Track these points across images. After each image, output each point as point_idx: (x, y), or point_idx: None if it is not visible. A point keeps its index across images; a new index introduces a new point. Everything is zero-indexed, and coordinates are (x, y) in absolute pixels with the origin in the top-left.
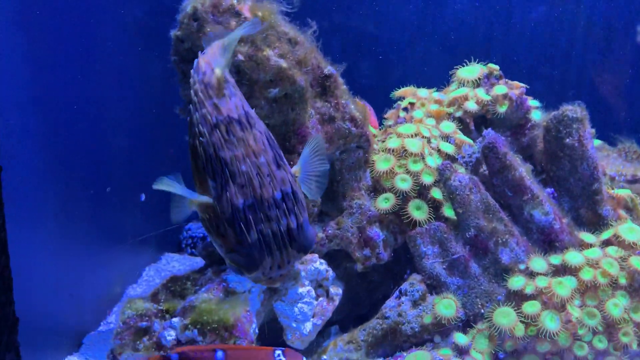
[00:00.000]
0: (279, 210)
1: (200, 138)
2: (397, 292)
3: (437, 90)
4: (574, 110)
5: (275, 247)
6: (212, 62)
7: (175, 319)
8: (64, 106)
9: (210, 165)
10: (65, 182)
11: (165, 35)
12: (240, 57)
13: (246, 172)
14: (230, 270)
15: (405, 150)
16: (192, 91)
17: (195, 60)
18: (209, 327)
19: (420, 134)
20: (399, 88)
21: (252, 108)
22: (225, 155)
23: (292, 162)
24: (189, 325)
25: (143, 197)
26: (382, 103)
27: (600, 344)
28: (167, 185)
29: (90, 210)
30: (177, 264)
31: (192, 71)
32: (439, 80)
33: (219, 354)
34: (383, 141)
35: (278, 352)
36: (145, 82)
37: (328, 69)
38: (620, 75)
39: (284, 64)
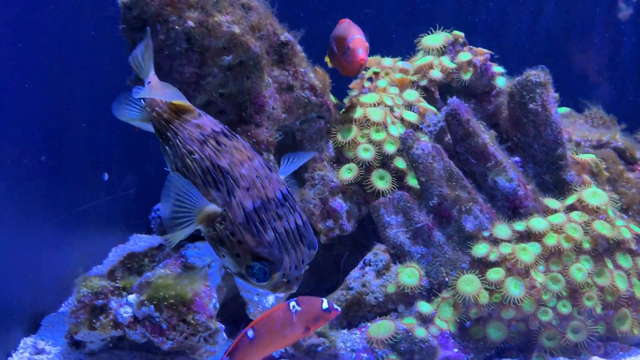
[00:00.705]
0: (284, 208)
1: (193, 156)
2: (361, 263)
3: (402, 60)
4: (537, 74)
5: (290, 244)
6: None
7: (131, 296)
8: (18, 81)
9: (210, 176)
10: (18, 160)
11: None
12: (191, 23)
13: (248, 175)
14: (246, 284)
15: (368, 119)
16: (157, 122)
17: (144, 96)
18: (165, 303)
19: (383, 103)
20: None
21: (205, 77)
22: (224, 164)
23: (249, 133)
24: (145, 302)
25: (106, 176)
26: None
27: (565, 308)
28: (182, 185)
29: (47, 189)
30: (145, 244)
31: (148, 107)
32: (408, 48)
33: (249, 333)
34: (346, 111)
35: (292, 303)
36: (102, 56)
37: (285, 35)
38: (588, 42)
39: (236, 30)
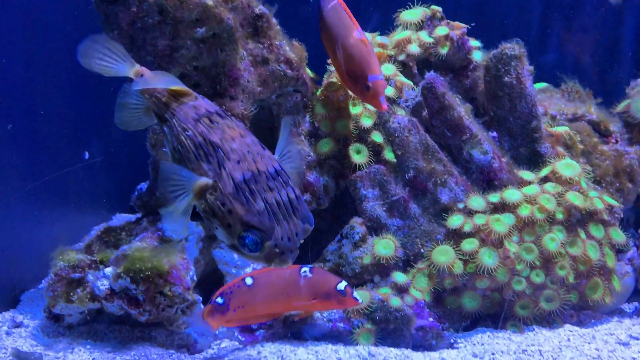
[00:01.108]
0: (276, 182)
1: (186, 132)
2: (338, 236)
3: (380, 34)
4: (512, 47)
5: (281, 215)
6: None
7: (108, 269)
8: None
9: (202, 150)
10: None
11: None
12: None
13: (239, 150)
14: (240, 256)
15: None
16: (156, 106)
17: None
18: (142, 275)
19: None
20: None
21: (178, 49)
22: (215, 138)
23: (224, 106)
24: (122, 274)
25: (87, 155)
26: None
27: (538, 278)
28: (173, 168)
29: (23, 167)
30: (126, 220)
31: (146, 94)
32: (388, 23)
33: (248, 280)
34: (324, 85)
35: (305, 269)
36: (78, 28)
37: (259, 8)
38: (568, 17)
39: (209, 1)
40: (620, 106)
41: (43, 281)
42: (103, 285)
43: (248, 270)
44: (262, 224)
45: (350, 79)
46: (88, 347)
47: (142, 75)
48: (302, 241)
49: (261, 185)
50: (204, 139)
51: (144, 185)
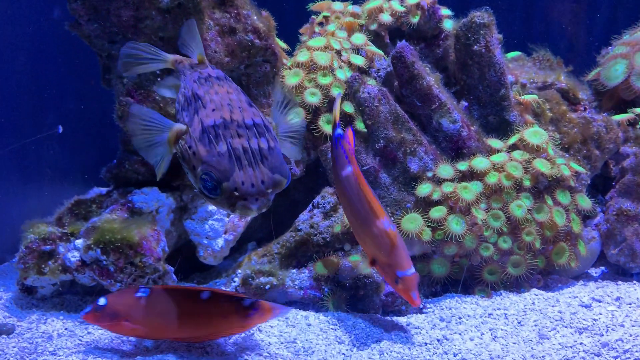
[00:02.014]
0: (249, 131)
1: (182, 89)
2: (310, 206)
3: (353, 4)
4: (481, 16)
5: (246, 161)
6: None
7: (78, 241)
8: None
9: (186, 102)
10: None
11: None
12: None
13: (218, 101)
14: (207, 202)
15: (315, 63)
16: (177, 69)
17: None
18: (112, 246)
19: (330, 47)
20: (316, 1)
21: (143, 20)
22: (200, 91)
23: None
24: (92, 246)
25: (60, 129)
26: (301, 18)
27: (505, 244)
28: (147, 112)
29: None
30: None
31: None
32: None
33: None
34: (294, 56)
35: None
36: (48, 6)
37: None
38: None
39: None
40: (591, 74)
41: (16, 255)
42: (74, 257)
43: (220, 241)
44: (219, 164)
45: (377, 263)
46: (61, 317)
47: (180, 62)
48: (270, 190)
49: (229, 132)
50: (191, 92)
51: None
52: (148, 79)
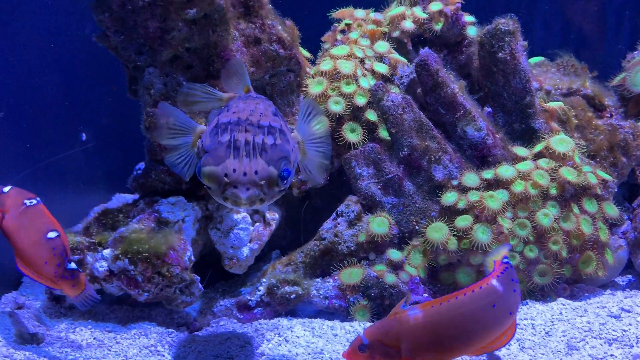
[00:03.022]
0: (259, 129)
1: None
2: (333, 214)
3: (375, 11)
4: (506, 23)
5: (244, 152)
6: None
7: (106, 251)
8: None
9: (216, 111)
10: None
11: None
12: None
13: (242, 107)
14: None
15: (338, 72)
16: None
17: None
18: (139, 256)
19: (353, 55)
20: (338, 9)
21: (170, 31)
22: (231, 102)
23: (217, 87)
24: (120, 256)
25: (84, 136)
26: (323, 26)
27: (531, 253)
28: (173, 112)
29: (22, 150)
30: (124, 201)
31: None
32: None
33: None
34: (317, 64)
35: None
36: (74, 9)
37: None
38: None
39: None
40: (616, 79)
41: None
42: (102, 266)
43: (245, 250)
44: (216, 150)
45: None
46: (89, 326)
47: (232, 98)
48: (263, 182)
49: (239, 127)
50: (226, 106)
51: (142, 165)
52: (175, 89)
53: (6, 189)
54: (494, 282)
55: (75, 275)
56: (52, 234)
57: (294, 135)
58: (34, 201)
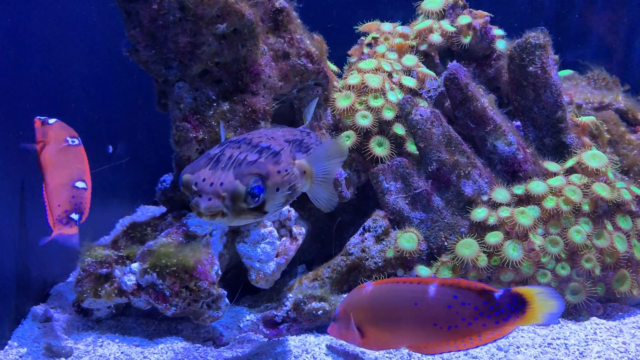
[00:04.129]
0: (253, 148)
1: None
2: (360, 229)
3: (402, 24)
4: (537, 36)
5: (222, 165)
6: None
7: (134, 265)
8: (19, 52)
9: None
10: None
11: None
12: None
13: (257, 131)
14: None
15: (366, 86)
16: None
17: None
18: (167, 270)
19: (381, 69)
20: (364, 22)
21: (200, 46)
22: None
23: (245, 102)
24: (148, 270)
25: (110, 149)
26: (348, 39)
27: (563, 270)
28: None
29: None
30: (149, 214)
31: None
32: (410, 12)
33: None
34: (345, 78)
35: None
36: (100, 27)
37: (280, 2)
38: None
39: None
40: None
41: (71, 275)
42: (130, 280)
43: (271, 264)
44: (199, 160)
45: None
46: (116, 340)
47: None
48: (225, 194)
49: (234, 144)
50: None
51: (167, 177)
52: (204, 104)
53: (51, 120)
54: (432, 287)
55: (70, 223)
56: (80, 184)
57: (298, 163)
58: (76, 140)
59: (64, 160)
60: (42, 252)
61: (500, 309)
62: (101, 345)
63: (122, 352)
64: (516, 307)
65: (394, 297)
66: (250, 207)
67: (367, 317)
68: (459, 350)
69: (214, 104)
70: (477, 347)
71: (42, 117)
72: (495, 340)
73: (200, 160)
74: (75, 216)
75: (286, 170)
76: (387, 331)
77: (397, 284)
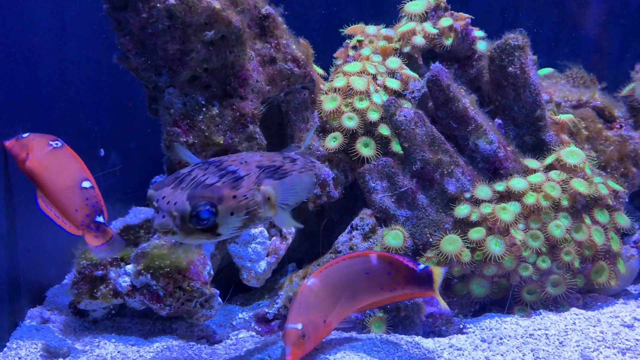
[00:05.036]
0: (219, 171)
1: None
2: (348, 227)
3: (386, 27)
4: (516, 38)
5: (183, 185)
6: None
7: (128, 266)
8: (9, 57)
9: None
10: (17, 133)
11: None
12: (171, 0)
13: (244, 154)
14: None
15: (351, 88)
16: None
17: None
18: (161, 272)
19: (366, 72)
20: (349, 25)
21: (189, 53)
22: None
23: (234, 106)
24: (142, 271)
25: (102, 152)
26: (334, 42)
27: (544, 264)
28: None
29: None
30: (142, 216)
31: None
32: (394, 15)
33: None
34: (331, 81)
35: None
36: (89, 34)
37: (266, 8)
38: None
39: (217, 5)
40: (625, 90)
41: (66, 277)
42: (125, 282)
43: (262, 263)
44: (166, 178)
45: None
46: (113, 340)
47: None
48: (175, 214)
49: (204, 165)
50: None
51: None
52: (194, 109)
53: (25, 135)
54: (373, 259)
55: (101, 228)
56: (86, 184)
57: (263, 190)
58: (59, 143)
59: (56, 163)
60: (37, 255)
61: (421, 280)
62: (98, 346)
63: (118, 352)
64: (429, 280)
65: (346, 272)
66: (200, 229)
67: (327, 304)
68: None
69: (204, 109)
70: (408, 300)
71: (9, 139)
72: (423, 298)
73: (167, 178)
74: (100, 219)
75: (244, 196)
76: (347, 304)
77: (341, 262)
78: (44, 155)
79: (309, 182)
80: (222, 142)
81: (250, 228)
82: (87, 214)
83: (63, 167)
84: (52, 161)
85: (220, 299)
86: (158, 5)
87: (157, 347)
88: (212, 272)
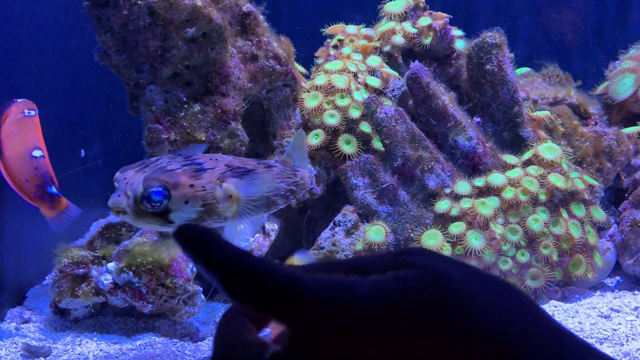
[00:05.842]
0: (183, 160)
1: None
2: (331, 224)
3: (366, 26)
4: (493, 36)
5: (147, 169)
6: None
7: (110, 264)
8: None
9: None
10: None
11: None
12: None
13: (211, 155)
14: None
15: (333, 86)
16: None
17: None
18: (143, 269)
19: (347, 70)
20: (330, 25)
21: (170, 50)
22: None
23: (216, 103)
24: (124, 269)
25: (82, 152)
26: (315, 41)
27: (523, 257)
28: None
29: None
30: None
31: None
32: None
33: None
34: (312, 79)
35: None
36: (71, 31)
37: (247, 6)
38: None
39: (198, 2)
40: (600, 88)
41: (47, 277)
42: (106, 279)
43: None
44: (134, 163)
45: None
46: (95, 339)
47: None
48: (129, 193)
49: (173, 156)
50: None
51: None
52: (175, 106)
53: (19, 100)
54: None
55: (55, 199)
56: (36, 152)
57: (225, 186)
58: (33, 112)
59: (18, 130)
60: (16, 255)
61: None
62: (80, 344)
63: (100, 350)
64: None
65: None
66: (151, 212)
67: None
68: None
69: (185, 106)
70: None
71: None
72: None
73: (135, 163)
74: (53, 189)
75: (202, 187)
76: None
77: None
78: (12, 123)
79: (274, 185)
80: (204, 138)
81: (209, 223)
82: (38, 185)
83: (21, 135)
84: (15, 129)
85: (203, 296)
86: (139, 2)
87: (139, 344)
88: (195, 269)
